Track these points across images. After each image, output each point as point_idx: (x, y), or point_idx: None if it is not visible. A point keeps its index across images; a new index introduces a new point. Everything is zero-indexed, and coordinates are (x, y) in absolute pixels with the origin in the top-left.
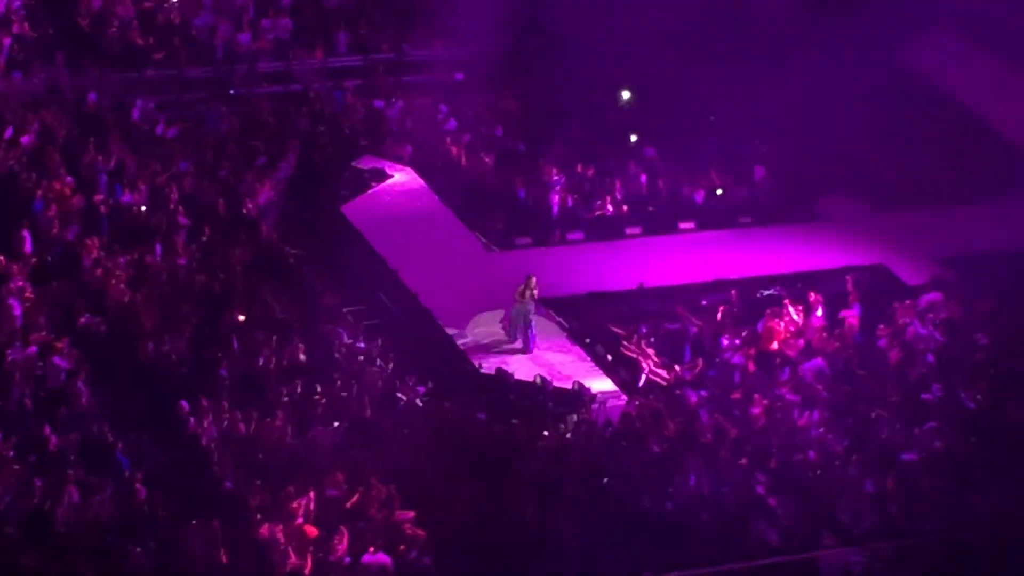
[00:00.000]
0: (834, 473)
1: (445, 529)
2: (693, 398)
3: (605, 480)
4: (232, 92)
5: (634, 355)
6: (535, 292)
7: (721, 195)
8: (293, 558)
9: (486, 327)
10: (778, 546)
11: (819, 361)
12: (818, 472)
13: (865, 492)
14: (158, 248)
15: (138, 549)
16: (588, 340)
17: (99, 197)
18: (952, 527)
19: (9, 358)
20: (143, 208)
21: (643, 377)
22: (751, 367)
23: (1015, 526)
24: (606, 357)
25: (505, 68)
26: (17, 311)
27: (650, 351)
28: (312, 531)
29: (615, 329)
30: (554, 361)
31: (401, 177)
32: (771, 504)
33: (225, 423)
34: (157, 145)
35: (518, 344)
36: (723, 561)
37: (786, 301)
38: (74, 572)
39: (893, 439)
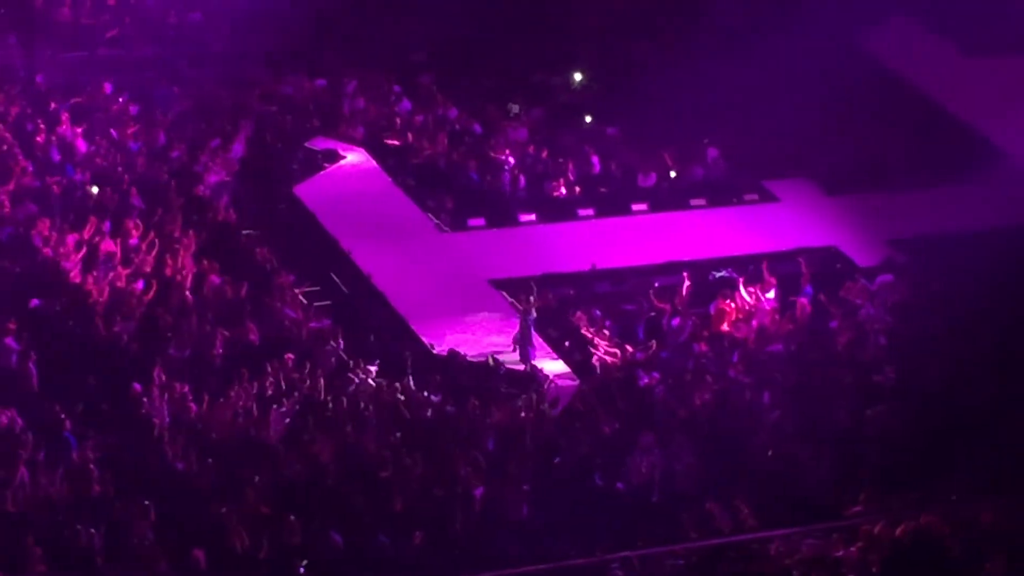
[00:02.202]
0: (786, 455)
1: (397, 509)
2: (645, 379)
3: (556, 460)
4: (182, 72)
5: (588, 336)
6: (532, 303)
7: (674, 177)
8: (247, 539)
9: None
10: (731, 527)
11: (775, 343)
12: (769, 454)
13: (817, 473)
14: (110, 228)
15: (90, 530)
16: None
17: (51, 177)
18: (905, 507)
19: None
20: (95, 189)
21: (596, 358)
22: (703, 348)
23: (967, 505)
24: (559, 339)
25: (458, 50)
26: None
27: (604, 332)
28: (266, 511)
29: (575, 319)
30: (506, 342)
31: (354, 158)
32: (723, 485)
33: (177, 404)
34: (109, 125)
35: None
36: (675, 542)
37: (739, 282)
38: (24, 552)
39: (845, 421)
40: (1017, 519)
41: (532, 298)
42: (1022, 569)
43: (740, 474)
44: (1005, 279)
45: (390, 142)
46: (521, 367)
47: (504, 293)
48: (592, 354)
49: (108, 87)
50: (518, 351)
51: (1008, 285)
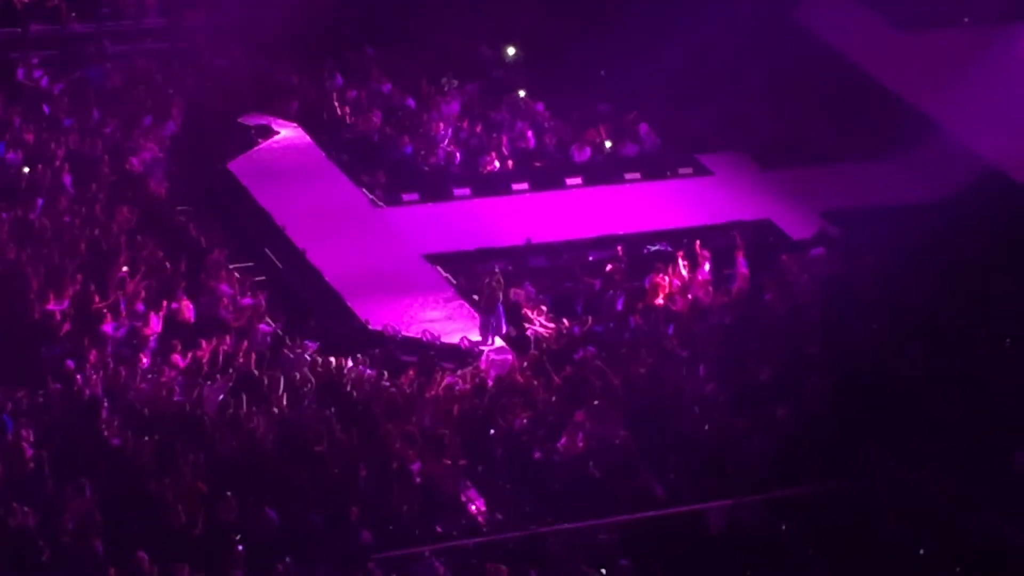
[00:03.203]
0: (720, 427)
1: (331, 485)
2: (580, 353)
3: (492, 432)
4: (110, 49)
5: (525, 311)
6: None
7: (608, 151)
8: (183, 516)
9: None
10: (665, 499)
11: (709, 316)
12: (705, 427)
13: (751, 446)
14: (43, 205)
15: (24, 508)
16: (476, 296)
17: None
18: (836, 479)
19: None
20: (26, 168)
21: (532, 332)
22: (638, 322)
23: (895, 477)
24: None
25: (392, 23)
26: None
27: (540, 307)
28: (203, 488)
29: (512, 294)
30: (442, 317)
31: (288, 133)
32: (659, 458)
33: (111, 381)
34: (42, 102)
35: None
36: (610, 515)
37: (674, 255)
38: None
39: (778, 393)
40: (945, 491)
41: (499, 281)
42: (951, 538)
43: (675, 447)
44: (937, 252)
45: (323, 116)
46: (456, 341)
47: (439, 268)
48: (528, 328)
49: (39, 62)
50: (482, 330)
51: (940, 258)
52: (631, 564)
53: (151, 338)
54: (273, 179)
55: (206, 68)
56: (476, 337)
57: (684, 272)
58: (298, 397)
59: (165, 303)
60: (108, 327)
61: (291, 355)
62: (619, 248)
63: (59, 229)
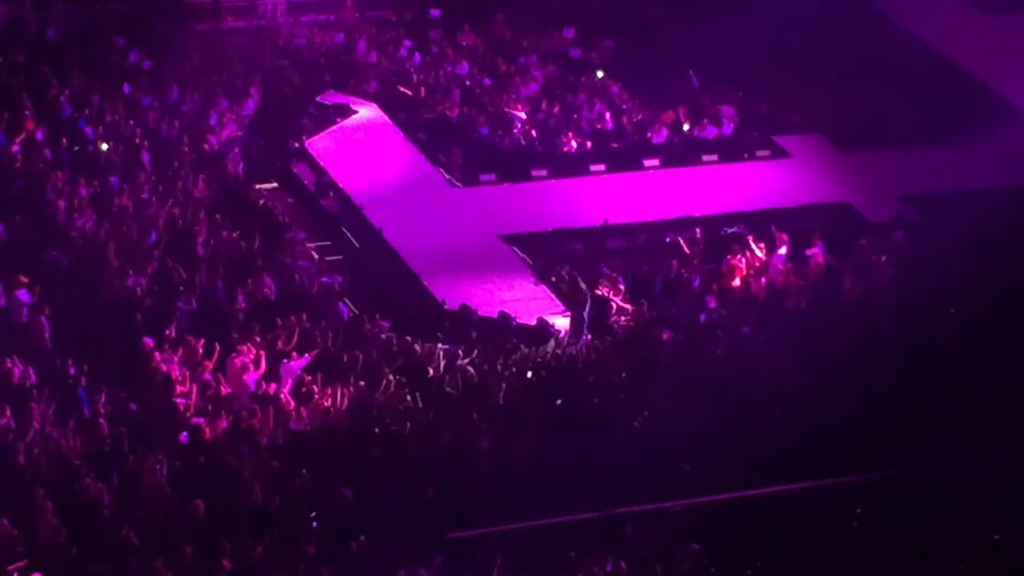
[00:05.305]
0: (793, 411)
1: (407, 463)
2: (656, 335)
3: (559, 402)
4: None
5: (603, 292)
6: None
7: (686, 132)
8: (258, 491)
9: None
10: (738, 483)
11: (785, 299)
12: (778, 410)
13: (825, 430)
14: (122, 183)
15: (99, 484)
16: (554, 278)
17: (63, 131)
18: (911, 464)
19: None
20: (105, 145)
21: (609, 314)
22: (714, 304)
23: (963, 466)
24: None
25: (470, 4)
26: None
27: (618, 288)
28: (276, 464)
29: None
30: (519, 297)
31: (366, 112)
32: (732, 440)
33: (189, 358)
34: (122, 80)
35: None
36: (683, 497)
37: (750, 238)
38: (34, 506)
39: (853, 378)
40: (1014, 477)
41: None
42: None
43: (748, 430)
44: (1013, 238)
45: (402, 90)
46: (533, 323)
47: (516, 248)
48: (606, 310)
49: (120, 41)
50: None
51: (1015, 244)
52: (702, 547)
53: (228, 315)
54: (350, 158)
55: (285, 46)
56: (562, 323)
57: (761, 255)
58: (375, 375)
59: (244, 281)
60: (185, 304)
61: (368, 334)
62: (697, 230)
63: (138, 206)
